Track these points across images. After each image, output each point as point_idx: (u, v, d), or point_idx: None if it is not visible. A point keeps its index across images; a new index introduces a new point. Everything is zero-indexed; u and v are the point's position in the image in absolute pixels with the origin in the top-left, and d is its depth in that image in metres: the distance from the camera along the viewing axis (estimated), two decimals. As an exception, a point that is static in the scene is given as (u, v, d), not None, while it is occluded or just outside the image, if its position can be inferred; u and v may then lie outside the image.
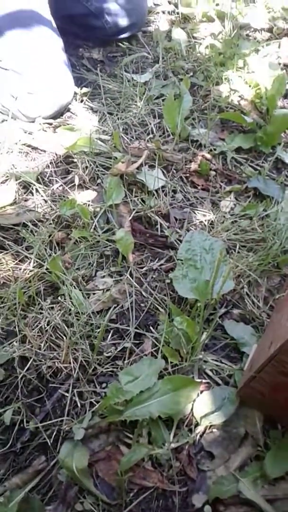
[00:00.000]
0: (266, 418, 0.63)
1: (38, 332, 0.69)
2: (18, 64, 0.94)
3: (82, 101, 1.10)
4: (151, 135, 1.03)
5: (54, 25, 1.03)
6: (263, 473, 0.58)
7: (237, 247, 0.83)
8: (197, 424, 0.62)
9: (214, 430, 0.62)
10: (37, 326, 0.69)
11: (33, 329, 0.69)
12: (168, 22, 1.42)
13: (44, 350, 0.67)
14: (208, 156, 0.98)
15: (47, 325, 0.69)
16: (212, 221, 0.88)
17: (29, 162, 0.95)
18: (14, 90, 0.95)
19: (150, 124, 1.06)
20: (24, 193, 0.89)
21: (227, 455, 0.60)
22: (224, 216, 0.89)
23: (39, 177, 0.91)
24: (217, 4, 1.46)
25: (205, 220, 0.88)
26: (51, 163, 0.95)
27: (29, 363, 0.66)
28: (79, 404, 0.63)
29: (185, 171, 0.97)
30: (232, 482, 0.57)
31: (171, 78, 1.19)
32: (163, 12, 1.47)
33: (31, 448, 0.60)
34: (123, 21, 1.22)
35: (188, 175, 0.96)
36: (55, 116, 1.03)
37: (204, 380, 0.67)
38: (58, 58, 0.99)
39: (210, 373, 0.68)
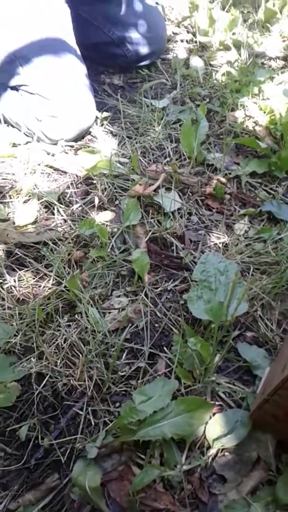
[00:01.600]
0: (279, 442, 0.63)
1: (55, 349, 0.70)
2: (44, 89, 0.98)
3: (102, 125, 1.14)
4: (168, 159, 1.06)
5: (79, 52, 1.07)
6: (275, 498, 0.58)
7: (251, 269, 0.84)
8: (209, 447, 0.62)
9: (226, 453, 0.62)
10: (54, 343, 0.71)
11: (50, 346, 0.70)
12: (186, 50, 1.47)
13: (60, 367, 0.68)
14: (223, 180, 1.01)
15: (64, 342, 0.71)
16: (226, 243, 0.90)
17: (51, 182, 0.98)
18: (39, 113, 1.00)
19: (167, 148, 1.09)
20: (45, 212, 0.92)
21: (239, 479, 0.60)
22: (238, 239, 0.91)
23: (60, 197, 0.94)
24: (233, 33, 1.51)
25: (220, 243, 0.90)
26: (71, 184, 0.98)
27: (45, 379, 0.67)
28: (93, 423, 0.64)
29: (201, 194, 0.99)
30: (244, 506, 0.57)
31: (188, 104, 1.23)
32: (182, 41, 1.52)
33: (45, 465, 0.61)
34: (144, 50, 1.27)
35: (203, 198, 0.99)
36: (76, 139, 1.07)
37: (217, 402, 0.67)
38: (82, 84, 1.04)
39: (222, 395, 0.68)
